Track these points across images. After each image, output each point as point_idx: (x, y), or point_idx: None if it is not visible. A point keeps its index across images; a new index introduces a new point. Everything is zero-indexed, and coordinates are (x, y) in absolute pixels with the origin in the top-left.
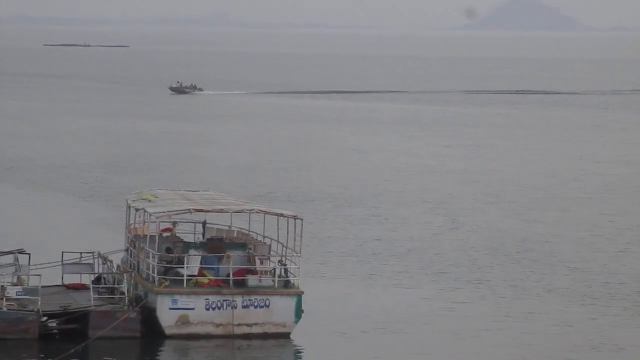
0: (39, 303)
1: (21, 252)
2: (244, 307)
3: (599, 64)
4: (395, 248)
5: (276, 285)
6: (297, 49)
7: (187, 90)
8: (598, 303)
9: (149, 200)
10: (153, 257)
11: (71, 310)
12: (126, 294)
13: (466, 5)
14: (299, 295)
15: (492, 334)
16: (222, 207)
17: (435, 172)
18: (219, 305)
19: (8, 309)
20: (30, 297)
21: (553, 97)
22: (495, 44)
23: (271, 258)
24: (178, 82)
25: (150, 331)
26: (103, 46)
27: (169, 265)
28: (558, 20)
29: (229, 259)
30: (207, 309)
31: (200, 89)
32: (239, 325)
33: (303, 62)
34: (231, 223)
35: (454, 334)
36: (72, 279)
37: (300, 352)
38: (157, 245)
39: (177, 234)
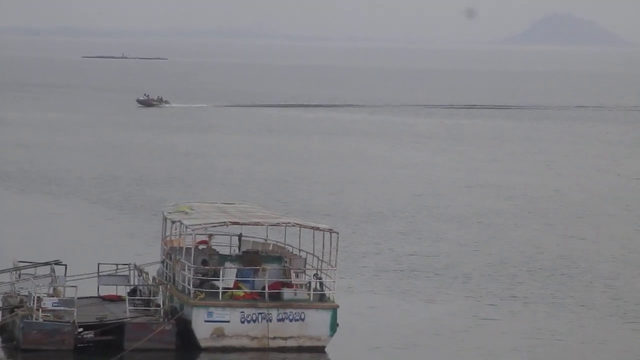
0: (75, 314)
1: (57, 263)
2: (279, 320)
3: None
4: (430, 263)
5: (311, 298)
6: (334, 62)
7: (154, 103)
8: (636, 320)
9: (185, 213)
10: (189, 269)
11: (107, 322)
12: (162, 306)
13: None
14: (334, 309)
15: (527, 351)
16: (258, 220)
17: (471, 186)
18: (254, 318)
19: (44, 320)
20: (66, 309)
21: (589, 112)
22: (532, 59)
23: (307, 271)
24: (145, 94)
25: (186, 344)
26: (141, 58)
27: (205, 278)
28: (596, 35)
29: (265, 272)
30: (243, 322)
31: (167, 102)
32: (274, 338)
33: (340, 76)
34: (267, 236)
35: (488, 350)
36: (108, 290)
37: None
38: (192, 258)
39: (213, 247)
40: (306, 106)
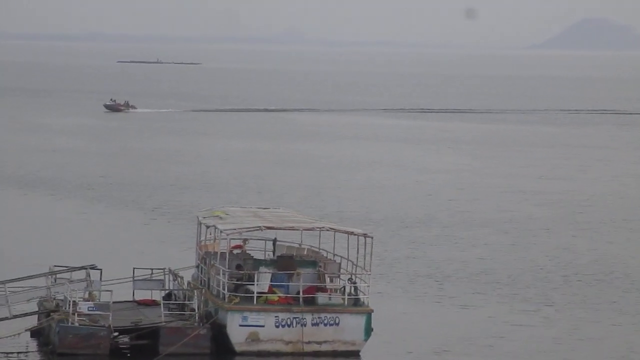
0: (110, 318)
1: (93, 267)
2: (313, 324)
3: None
4: (464, 268)
5: (346, 303)
6: (366, 67)
7: (121, 108)
8: None
9: (220, 217)
10: (223, 274)
11: (142, 326)
12: (196, 311)
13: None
14: (369, 314)
15: (561, 357)
16: (292, 225)
17: (506, 192)
18: (289, 322)
19: (80, 324)
20: (102, 313)
21: (625, 118)
22: (566, 63)
23: (341, 276)
24: (112, 99)
25: (220, 348)
26: (175, 63)
27: (240, 282)
28: (633, 40)
29: (299, 277)
30: (277, 327)
31: (134, 107)
32: (309, 342)
33: (372, 80)
34: (301, 241)
35: (522, 356)
36: (143, 295)
37: None
38: (227, 262)
39: (247, 251)
40: (340, 111)
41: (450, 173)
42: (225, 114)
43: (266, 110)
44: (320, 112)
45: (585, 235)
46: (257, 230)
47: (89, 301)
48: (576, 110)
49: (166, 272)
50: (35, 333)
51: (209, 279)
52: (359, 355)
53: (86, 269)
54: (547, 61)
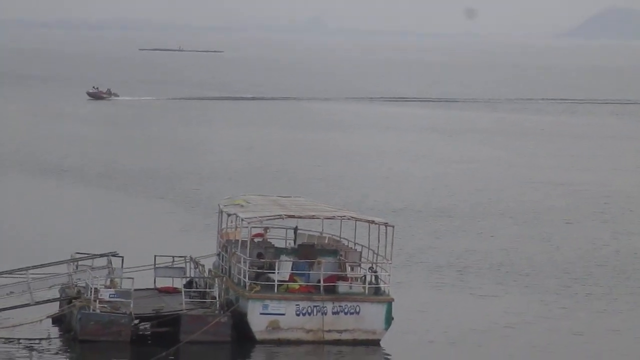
0: (132, 306)
1: (114, 255)
2: (334, 313)
3: None
4: (486, 259)
5: (367, 292)
6: (392, 55)
7: (104, 96)
8: None
9: (241, 206)
10: (244, 262)
11: (163, 314)
12: (217, 299)
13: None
14: (389, 303)
15: (582, 348)
16: (313, 214)
17: (528, 183)
18: (310, 311)
19: (101, 311)
20: (123, 300)
21: None
22: (591, 53)
23: (362, 265)
24: (94, 87)
25: (241, 336)
26: (197, 51)
27: (260, 271)
28: None
29: (320, 265)
30: (298, 315)
31: (116, 95)
32: (329, 331)
33: (397, 69)
34: (322, 229)
35: (542, 347)
36: (164, 282)
37: None
38: (248, 251)
39: (268, 240)
40: (362, 100)
41: (472, 163)
42: (246, 102)
43: (287, 98)
44: (343, 101)
45: (607, 226)
46: (278, 218)
47: (110, 288)
48: (601, 100)
49: (187, 260)
50: (56, 320)
51: (230, 267)
52: (380, 344)
53: (108, 256)
54: (572, 50)
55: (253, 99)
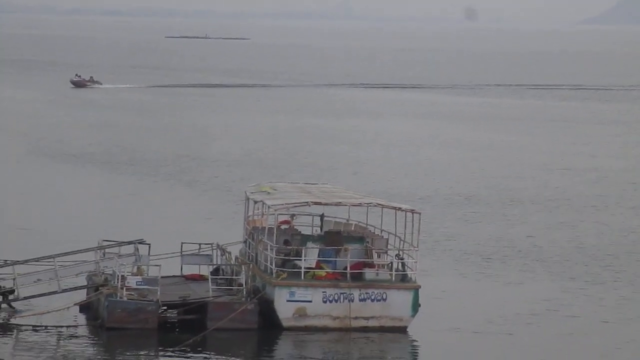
0: (159, 293)
1: (141, 242)
2: (361, 300)
3: None
4: (512, 246)
5: (393, 279)
6: (419, 43)
7: (87, 84)
8: None
9: (268, 193)
10: (271, 249)
11: (190, 301)
12: (244, 286)
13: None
14: (416, 290)
15: (611, 335)
16: (340, 200)
17: (555, 169)
18: (336, 298)
19: (128, 299)
20: (150, 288)
21: None
22: (619, 38)
23: (388, 252)
24: (77, 75)
25: (268, 323)
26: (223, 38)
27: (287, 258)
28: None
29: (347, 252)
30: (325, 302)
31: (99, 83)
32: (356, 318)
33: (422, 57)
34: (349, 216)
35: (569, 334)
36: (191, 269)
37: (416, 347)
38: (275, 238)
39: (295, 227)
40: (389, 87)
41: (498, 150)
42: (273, 89)
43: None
44: (369, 88)
45: (635, 213)
46: (305, 205)
47: (137, 276)
48: (630, 86)
49: (214, 247)
50: (83, 307)
51: (256, 254)
52: (406, 331)
53: (135, 243)
54: (599, 36)
55: (279, 86)
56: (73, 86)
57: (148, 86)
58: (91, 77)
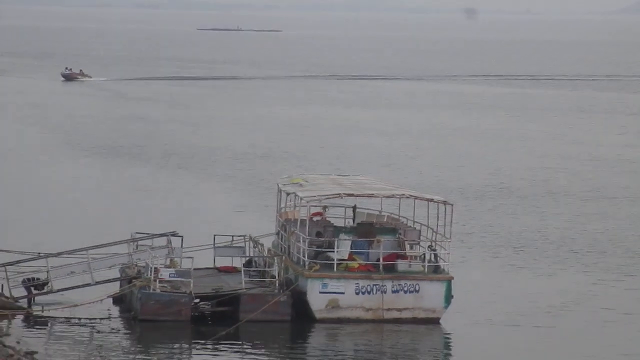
0: (191, 285)
1: (174, 234)
2: (393, 292)
3: None
4: (545, 238)
5: (426, 270)
6: (455, 34)
7: (77, 77)
8: None
9: (300, 185)
10: (303, 241)
11: (223, 293)
12: (277, 278)
13: None
14: (449, 281)
15: None
16: (372, 192)
17: (589, 160)
18: (369, 289)
19: (161, 291)
20: (183, 280)
21: None
22: None
23: (421, 243)
24: (67, 68)
25: (300, 315)
26: (255, 30)
27: (320, 249)
28: None
29: (379, 244)
30: (357, 294)
31: (89, 76)
32: (389, 310)
33: (460, 48)
34: (381, 208)
35: (603, 326)
36: (223, 262)
37: (449, 338)
38: (307, 229)
39: (327, 218)
40: (421, 79)
41: (531, 141)
42: (303, 80)
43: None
44: (401, 79)
45: None
46: (337, 197)
47: (170, 268)
48: None
49: (246, 239)
50: (117, 300)
51: (289, 246)
52: (439, 323)
53: (167, 235)
54: (634, 25)
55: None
56: (63, 79)
57: (180, 78)
58: (81, 70)
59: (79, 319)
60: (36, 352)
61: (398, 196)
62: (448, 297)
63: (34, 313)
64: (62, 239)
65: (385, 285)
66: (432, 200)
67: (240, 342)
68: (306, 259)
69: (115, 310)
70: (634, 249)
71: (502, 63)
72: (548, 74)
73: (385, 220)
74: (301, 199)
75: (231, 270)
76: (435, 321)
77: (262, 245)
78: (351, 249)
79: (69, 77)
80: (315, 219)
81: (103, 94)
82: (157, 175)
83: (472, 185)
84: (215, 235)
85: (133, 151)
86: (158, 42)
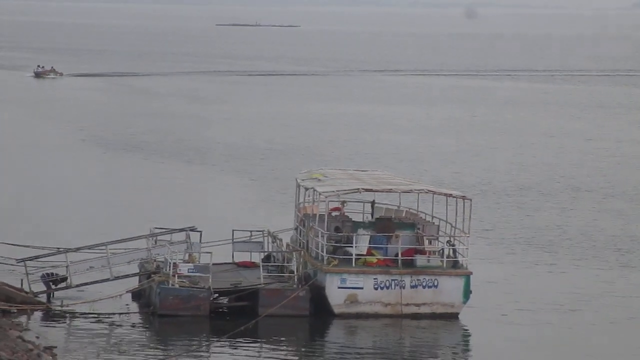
0: (210, 280)
1: (193, 229)
2: (412, 287)
3: None
4: (565, 234)
5: (445, 265)
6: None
7: (48, 75)
8: None
9: (319, 180)
10: (322, 236)
11: (241, 288)
12: (295, 273)
13: None
14: (468, 276)
15: None
16: (390, 187)
17: (610, 157)
18: (388, 284)
19: (180, 286)
20: (202, 275)
21: None
22: None
23: (439, 238)
24: (39, 66)
25: (319, 310)
26: (274, 26)
27: (338, 245)
28: None
29: (398, 239)
30: (376, 289)
31: (60, 73)
32: (407, 305)
33: (476, 43)
34: (400, 203)
35: (622, 323)
36: (242, 257)
37: (468, 333)
38: (326, 224)
39: (346, 213)
40: (439, 74)
41: (551, 137)
42: (321, 76)
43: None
44: (420, 74)
45: None
46: (356, 192)
47: (189, 263)
48: None
49: (265, 234)
50: (135, 294)
51: (307, 241)
52: (458, 318)
53: (186, 231)
54: None
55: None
56: (34, 76)
57: (199, 73)
58: (52, 67)
59: (98, 314)
60: (55, 347)
61: (416, 191)
62: (467, 292)
63: (53, 308)
64: (81, 234)
65: (403, 281)
66: (450, 195)
67: (258, 337)
68: (325, 254)
69: (134, 305)
70: None
71: (520, 58)
72: (567, 69)
73: (403, 215)
74: (320, 194)
75: (250, 265)
76: (453, 316)
77: (280, 240)
78: (370, 244)
79: (40, 75)
80: (333, 214)
81: (120, 89)
82: (177, 171)
83: (491, 180)
84: (233, 230)
85: (152, 147)
86: (176, 39)
